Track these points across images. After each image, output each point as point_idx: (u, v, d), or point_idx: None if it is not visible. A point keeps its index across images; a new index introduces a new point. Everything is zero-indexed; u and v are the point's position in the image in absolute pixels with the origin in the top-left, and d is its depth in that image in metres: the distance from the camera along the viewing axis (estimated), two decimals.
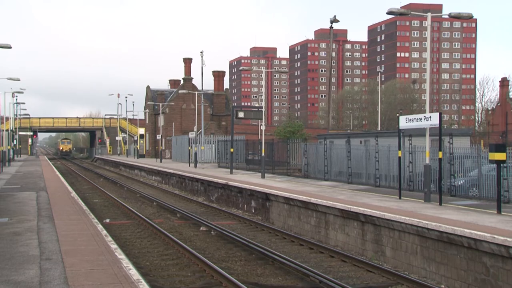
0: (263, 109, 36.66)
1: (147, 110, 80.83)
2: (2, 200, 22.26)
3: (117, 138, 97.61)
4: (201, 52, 50.87)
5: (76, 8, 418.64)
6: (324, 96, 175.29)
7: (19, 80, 46.96)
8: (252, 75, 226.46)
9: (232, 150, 38.61)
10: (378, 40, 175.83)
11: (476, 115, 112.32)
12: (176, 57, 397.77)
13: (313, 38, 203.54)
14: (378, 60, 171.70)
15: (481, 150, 20.76)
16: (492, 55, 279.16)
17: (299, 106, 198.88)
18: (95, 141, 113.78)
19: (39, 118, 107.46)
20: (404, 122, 20.45)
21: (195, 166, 46.13)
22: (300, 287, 13.27)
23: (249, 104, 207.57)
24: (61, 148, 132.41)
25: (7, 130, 64.54)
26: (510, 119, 75.56)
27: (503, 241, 12.06)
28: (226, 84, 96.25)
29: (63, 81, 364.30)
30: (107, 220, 23.02)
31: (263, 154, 33.66)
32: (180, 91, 62.12)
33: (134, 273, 10.23)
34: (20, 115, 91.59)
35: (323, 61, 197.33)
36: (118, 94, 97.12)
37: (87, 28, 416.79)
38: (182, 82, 76.08)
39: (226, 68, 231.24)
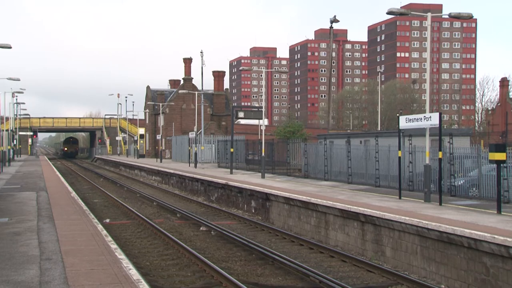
0: (263, 109, 36.65)
1: (147, 110, 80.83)
2: (2, 200, 22.25)
3: (117, 138, 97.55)
4: (201, 52, 50.84)
5: (76, 8, 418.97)
6: (324, 96, 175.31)
7: (19, 80, 47.01)
8: (252, 75, 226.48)
9: (232, 150, 38.60)
10: (378, 40, 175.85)
11: (476, 115, 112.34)
12: (176, 57, 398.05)
13: (313, 38, 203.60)
14: (378, 60, 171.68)
15: (481, 150, 20.76)
16: (492, 55, 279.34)
17: (299, 106, 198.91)
18: (95, 141, 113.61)
19: (39, 118, 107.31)
20: (404, 122, 20.45)
21: (195, 166, 46.13)
22: (300, 287, 13.27)
23: (249, 104, 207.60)
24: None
25: (7, 130, 64.53)
26: (510, 119, 75.58)
27: (503, 241, 12.06)
28: (226, 84, 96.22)
29: (63, 81, 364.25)
30: (107, 220, 23.02)
31: (263, 154, 33.66)
32: (180, 91, 62.12)
33: (134, 273, 10.23)
34: (20, 115, 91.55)
35: (323, 61, 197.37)
36: (118, 94, 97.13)
37: (87, 28, 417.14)
38: (182, 82, 76.06)
39: (226, 68, 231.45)
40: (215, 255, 16.43)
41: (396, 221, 15.57)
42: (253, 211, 25.88)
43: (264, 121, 35.02)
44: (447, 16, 20.51)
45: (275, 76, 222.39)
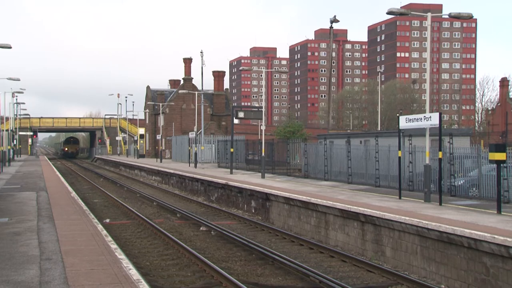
0: (263, 109, 36.64)
1: (147, 110, 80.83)
2: (2, 200, 22.25)
3: (117, 138, 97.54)
4: (201, 52, 50.85)
5: (76, 8, 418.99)
6: (324, 96, 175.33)
7: (19, 80, 47.02)
8: (252, 75, 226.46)
9: (232, 150, 38.60)
10: (378, 40, 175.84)
11: (476, 115, 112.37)
12: (176, 57, 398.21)
13: (313, 38, 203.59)
14: (378, 60, 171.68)
15: (481, 150, 20.76)
16: (492, 55, 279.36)
17: (299, 106, 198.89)
18: (95, 141, 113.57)
19: (39, 118, 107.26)
20: (404, 122, 20.45)
21: (195, 166, 46.13)
22: (300, 287, 13.27)
23: (249, 104, 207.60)
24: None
25: (7, 130, 64.52)
26: (510, 119, 75.61)
27: (503, 241, 12.06)
28: (226, 84, 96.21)
29: (63, 81, 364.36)
30: (107, 220, 23.01)
31: (263, 154, 33.66)
32: (180, 91, 62.12)
33: (134, 273, 10.23)
34: (20, 115, 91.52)
35: (323, 61, 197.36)
36: (118, 94, 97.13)
37: (87, 28, 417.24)
38: (182, 82, 76.07)
39: (226, 68, 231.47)
40: (215, 255, 16.42)
41: (396, 221, 15.57)
42: (253, 211, 25.88)
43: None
44: (447, 16, 20.51)
45: (275, 76, 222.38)
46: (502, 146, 16.52)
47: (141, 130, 79.87)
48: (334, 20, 46.35)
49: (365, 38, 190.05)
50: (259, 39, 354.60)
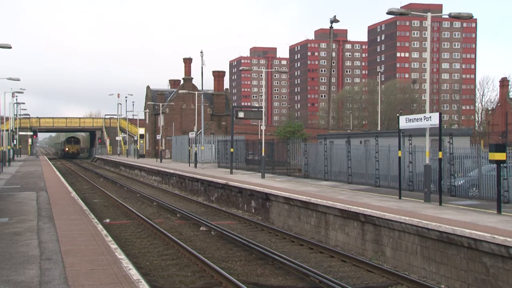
0: (263, 109, 36.64)
1: (147, 110, 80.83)
2: (2, 200, 22.25)
3: (117, 138, 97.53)
4: (201, 52, 50.86)
5: (76, 8, 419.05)
6: (324, 96, 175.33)
7: (19, 80, 47.05)
8: (252, 75, 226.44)
9: (232, 150, 38.60)
10: (378, 40, 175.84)
11: (476, 115, 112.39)
12: (176, 57, 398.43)
13: (313, 38, 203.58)
14: (378, 60, 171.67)
15: (481, 150, 20.76)
16: (492, 55, 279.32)
17: (299, 106, 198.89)
18: (95, 141, 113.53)
19: (39, 118, 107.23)
20: (404, 122, 20.44)
21: (195, 166, 46.12)
22: (300, 287, 13.27)
23: (249, 104, 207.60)
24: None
25: (7, 130, 64.51)
26: (510, 119, 75.63)
27: (503, 241, 12.06)
28: (226, 84, 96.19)
29: (63, 81, 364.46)
30: (107, 220, 23.01)
31: (263, 154, 33.65)
32: (180, 91, 62.10)
33: (134, 273, 10.23)
34: (20, 115, 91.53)
35: (323, 61, 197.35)
36: (118, 94, 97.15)
37: (87, 28, 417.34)
38: (182, 82, 76.08)
39: (226, 68, 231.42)
40: (215, 255, 16.42)
41: (396, 221, 15.57)
42: (253, 211, 25.88)
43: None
44: (447, 16, 20.51)
45: (275, 76, 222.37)
46: (502, 146, 16.52)
47: (141, 130, 79.88)
48: (334, 20, 46.33)
49: (365, 38, 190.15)
50: (259, 39, 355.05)
